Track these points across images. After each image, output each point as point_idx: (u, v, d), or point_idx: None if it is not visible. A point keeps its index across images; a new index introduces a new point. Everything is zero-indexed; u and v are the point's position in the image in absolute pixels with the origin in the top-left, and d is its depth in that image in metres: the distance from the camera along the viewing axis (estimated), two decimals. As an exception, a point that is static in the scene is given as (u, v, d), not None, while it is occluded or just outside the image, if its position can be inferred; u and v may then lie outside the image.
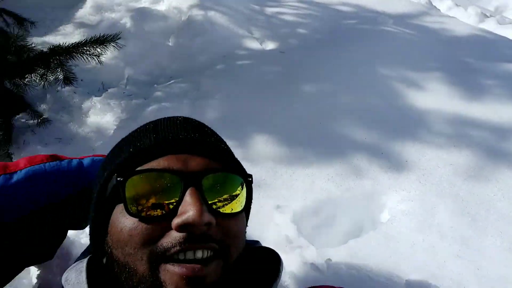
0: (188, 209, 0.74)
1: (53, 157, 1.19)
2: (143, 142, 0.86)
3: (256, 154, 2.54)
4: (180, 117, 0.96)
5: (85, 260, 0.86)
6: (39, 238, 1.16)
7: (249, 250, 0.96)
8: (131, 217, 0.77)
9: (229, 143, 2.39)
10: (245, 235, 0.90)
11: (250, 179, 0.90)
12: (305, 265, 1.78)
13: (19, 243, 1.11)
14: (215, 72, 3.62)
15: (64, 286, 0.86)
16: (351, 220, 2.21)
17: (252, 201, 0.98)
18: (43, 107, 3.62)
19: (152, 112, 3.07)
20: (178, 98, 3.21)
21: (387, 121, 2.81)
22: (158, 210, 0.77)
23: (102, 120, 3.28)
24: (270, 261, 0.96)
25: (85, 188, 1.19)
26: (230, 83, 3.29)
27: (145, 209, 0.77)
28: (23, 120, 3.44)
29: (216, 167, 0.85)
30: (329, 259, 1.82)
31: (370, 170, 2.42)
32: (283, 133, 2.69)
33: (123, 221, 0.79)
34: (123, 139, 0.98)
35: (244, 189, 0.88)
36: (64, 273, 0.89)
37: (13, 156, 3.21)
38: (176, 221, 0.75)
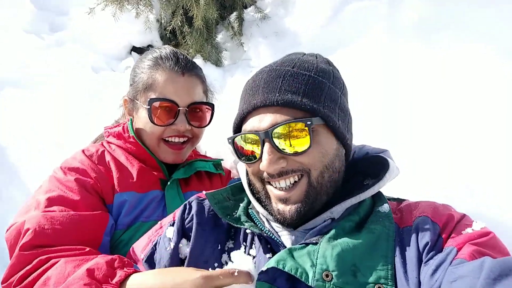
0: (263, 159, 1.10)
1: None
2: (241, 109, 1.20)
3: (441, 66, 2.48)
4: (263, 72, 1.20)
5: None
6: None
7: (367, 157, 1.31)
8: (243, 163, 1.23)
9: (417, 50, 2.42)
10: (323, 157, 1.14)
11: (310, 122, 1.10)
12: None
13: None
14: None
15: (237, 169, 1.42)
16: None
17: (337, 128, 1.21)
18: (267, 1, 4.22)
19: (349, 13, 3.22)
20: (378, -4, 3.21)
21: None
22: (253, 157, 1.16)
23: (309, 17, 3.65)
24: (377, 167, 1.25)
25: None
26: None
27: (246, 156, 1.18)
28: (251, 14, 4.15)
29: (280, 121, 1.10)
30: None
31: None
32: (490, 44, 2.44)
33: (241, 163, 1.26)
34: (240, 96, 1.29)
35: (307, 130, 1.10)
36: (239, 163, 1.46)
37: (243, 44, 4.05)
38: (260, 166, 1.13)
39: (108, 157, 1.69)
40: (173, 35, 4.20)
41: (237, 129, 1.24)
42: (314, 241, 1.09)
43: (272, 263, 1.03)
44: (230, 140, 1.21)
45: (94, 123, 3.19)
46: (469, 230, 1.04)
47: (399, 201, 1.28)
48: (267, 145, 1.10)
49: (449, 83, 2.35)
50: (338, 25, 3.32)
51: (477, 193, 1.86)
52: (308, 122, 1.10)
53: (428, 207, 1.16)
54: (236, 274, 0.95)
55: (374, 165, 1.26)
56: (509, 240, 1.10)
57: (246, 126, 1.17)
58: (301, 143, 1.11)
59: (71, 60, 3.74)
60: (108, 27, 4.11)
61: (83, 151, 1.71)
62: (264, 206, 1.23)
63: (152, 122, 1.68)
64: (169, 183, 1.74)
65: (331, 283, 1.00)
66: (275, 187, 1.15)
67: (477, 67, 2.33)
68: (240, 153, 1.20)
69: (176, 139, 1.75)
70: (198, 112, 1.80)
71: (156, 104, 1.68)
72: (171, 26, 3.99)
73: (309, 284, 1.00)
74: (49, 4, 4.63)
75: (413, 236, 1.08)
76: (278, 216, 1.15)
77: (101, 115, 3.29)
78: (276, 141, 1.10)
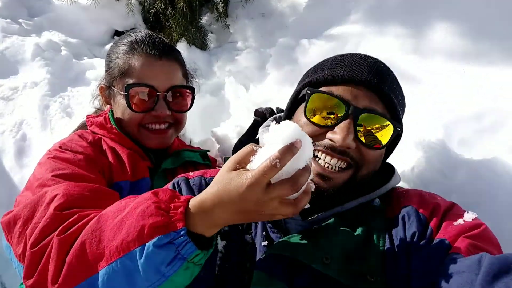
0: (339, 132, 1.07)
1: None
2: (336, 71, 1.16)
3: (428, 46, 2.44)
4: (373, 59, 1.21)
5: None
6: None
7: None
8: (305, 118, 1.15)
9: (404, 31, 2.39)
10: (378, 161, 1.20)
11: (399, 129, 1.14)
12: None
13: None
14: None
15: (259, 132, 1.38)
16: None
17: (399, 143, 1.29)
18: (252, -19, 4.09)
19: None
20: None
21: None
22: (322, 121, 1.12)
23: (295, -4, 3.56)
24: (386, 172, 1.28)
25: None
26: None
27: (315, 117, 1.13)
28: (237, -6, 4.03)
29: (376, 109, 1.11)
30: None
31: None
32: (470, 24, 2.40)
33: (300, 117, 1.18)
34: (326, 60, 1.27)
35: (391, 133, 1.13)
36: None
37: (229, 26, 3.95)
38: (328, 134, 1.10)
39: (104, 146, 1.64)
40: (157, 18, 4.07)
41: (315, 86, 1.18)
42: (313, 228, 1.11)
43: (271, 250, 1.06)
44: (309, 92, 1.15)
45: (77, 110, 3.13)
46: (460, 221, 1.04)
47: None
48: (350, 121, 1.08)
49: (433, 64, 2.31)
50: (325, 5, 3.24)
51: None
52: (398, 129, 1.14)
53: (414, 196, 1.17)
54: (277, 162, 0.82)
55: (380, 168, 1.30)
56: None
57: (334, 90, 1.13)
58: (377, 141, 1.13)
59: (51, 46, 3.61)
60: (89, 11, 3.97)
61: (80, 136, 1.64)
62: None
63: (131, 108, 1.63)
64: (158, 172, 1.70)
65: (330, 266, 1.02)
66: (321, 160, 1.11)
67: (464, 49, 2.29)
68: (310, 110, 1.14)
69: (157, 126, 1.70)
70: (179, 97, 1.74)
71: (134, 89, 1.62)
72: (154, 8, 3.87)
73: (309, 264, 1.02)
74: (26, -12, 4.46)
75: (400, 225, 1.10)
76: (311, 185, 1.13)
77: (84, 102, 3.23)
78: (359, 123, 1.10)
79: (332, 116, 1.11)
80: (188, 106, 1.80)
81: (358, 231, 1.09)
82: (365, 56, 1.22)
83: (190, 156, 1.86)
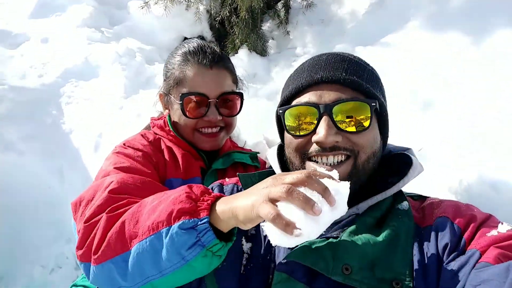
0: (319, 131, 1.11)
1: None
2: (298, 81, 1.21)
3: (490, 52, 2.34)
4: (325, 54, 1.24)
5: (277, 144, 1.44)
6: None
7: (390, 155, 1.31)
8: (289, 135, 1.20)
9: (466, 36, 2.31)
10: (374, 143, 1.17)
11: (374, 104, 1.14)
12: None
13: None
14: None
15: (267, 156, 1.45)
16: None
17: (387, 120, 1.26)
18: (314, -12, 4.16)
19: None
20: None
21: None
22: (304, 130, 1.16)
23: (355, 3, 3.56)
24: (402, 163, 1.25)
25: None
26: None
27: (296, 130, 1.18)
28: (298, 1, 4.13)
29: (344, 98, 1.13)
30: None
31: None
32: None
33: (286, 134, 1.22)
34: (289, 77, 1.31)
35: (369, 111, 1.13)
36: (269, 150, 1.48)
37: (289, 33, 4.05)
38: (312, 138, 1.13)
39: (163, 145, 1.82)
40: (222, 25, 4.30)
41: (287, 103, 1.25)
42: (334, 235, 1.10)
43: (292, 255, 1.05)
44: (281, 111, 1.21)
45: (147, 112, 3.43)
46: (494, 232, 1.00)
47: (422, 198, 1.26)
48: (326, 118, 1.12)
49: (498, 73, 2.22)
50: (385, 11, 3.22)
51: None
52: (373, 104, 1.14)
53: (449, 207, 1.14)
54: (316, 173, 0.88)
55: (398, 162, 1.26)
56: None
57: (301, 99, 1.19)
58: (360, 123, 1.14)
59: (127, 52, 3.99)
60: (161, 19, 4.31)
61: (142, 136, 1.83)
62: None
63: (185, 115, 1.78)
64: (208, 172, 1.84)
65: (350, 276, 1.00)
66: (319, 163, 1.16)
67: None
68: (289, 126, 1.20)
69: (209, 130, 1.84)
70: (228, 102, 1.86)
71: (188, 98, 1.77)
72: (220, 16, 4.09)
73: (329, 276, 1.01)
74: (109, -1, 4.95)
75: (433, 236, 1.07)
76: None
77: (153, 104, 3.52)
78: (335, 116, 1.12)
79: (308, 125, 1.16)
80: (237, 110, 1.92)
81: (383, 236, 1.07)
82: (320, 55, 1.25)
83: (240, 157, 1.98)
